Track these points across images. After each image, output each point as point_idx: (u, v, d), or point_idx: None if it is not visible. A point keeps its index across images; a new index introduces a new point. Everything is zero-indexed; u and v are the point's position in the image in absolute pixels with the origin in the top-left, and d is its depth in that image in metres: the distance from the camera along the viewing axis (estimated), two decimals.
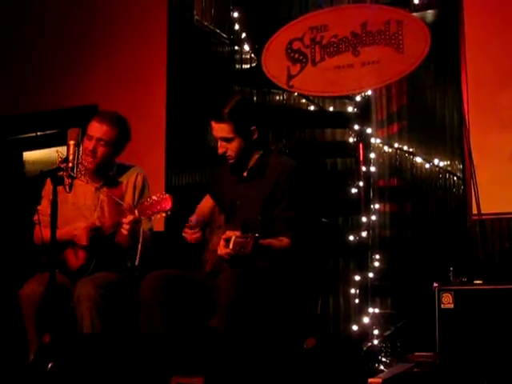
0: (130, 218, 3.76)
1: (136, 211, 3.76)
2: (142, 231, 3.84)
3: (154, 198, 3.72)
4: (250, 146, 3.74)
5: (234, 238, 3.31)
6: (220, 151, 3.73)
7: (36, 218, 4.12)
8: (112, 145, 4.03)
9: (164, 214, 3.69)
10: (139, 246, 3.82)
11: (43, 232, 3.86)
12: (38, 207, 4.16)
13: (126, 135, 4.11)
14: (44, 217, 3.99)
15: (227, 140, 3.68)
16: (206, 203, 4.02)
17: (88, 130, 4.03)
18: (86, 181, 4.03)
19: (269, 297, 3.56)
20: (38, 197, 4.22)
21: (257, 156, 3.79)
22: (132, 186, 4.13)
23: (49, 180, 4.07)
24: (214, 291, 3.45)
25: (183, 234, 3.70)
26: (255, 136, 3.71)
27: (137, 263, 3.85)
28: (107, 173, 4.12)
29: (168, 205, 3.65)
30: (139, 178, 4.16)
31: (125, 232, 3.78)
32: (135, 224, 3.77)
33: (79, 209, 4.06)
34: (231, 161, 3.77)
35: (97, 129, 4.02)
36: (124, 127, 4.10)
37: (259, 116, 3.84)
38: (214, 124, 3.69)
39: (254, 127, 3.70)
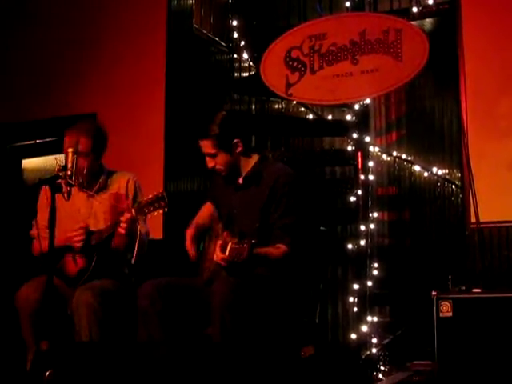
0: (127, 215, 3.75)
1: (133, 210, 3.76)
2: (139, 231, 3.83)
3: (149, 196, 3.73)
4: (237, 158, 3.78)
5: (230, 244, 3.33)
6: (209, 166, 3.80)
7: (33, 231, 4.14)
8: (89, 154, 4.00)
9: (161, 211, 3.70)
10: (136, 245, 3.81)
11: (42, 244, 3.88)
12: (34, 221, 4.17)
13: (101, 142, 4.06)
14: (41, 230, 4.02)
15: (212, 155, 3.76)
16: (206, 210, 4.03)
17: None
18: (78, 189, 4.02)
19: (266, 305, 3.56)
20: (36, 205, 4.21)
21: (253, 164, 3.81)
22: (124, 191, 4.11)
23: (43, 193, 4.07)
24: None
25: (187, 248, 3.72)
26: (239, 149, 3.76)
27: (133, 261, 3.85)
28: (97, 180, 4.10)
29: (164, 201, 3.67)
30: (131, 183, 4.14)
31: (122, 231, 3.77)
32: (133, 223, 3.78)
33: (74, 217, 4.03)
34: (222, 173, 3.83)
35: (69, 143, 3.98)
36: (97, 135, 4.05)
37: (246, 128, 3.90)
38: (199, 141, 3.78)
39: (236, 140, 3.74)
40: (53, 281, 3.39)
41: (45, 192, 4.05)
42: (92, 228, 3.99)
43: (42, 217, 4.06)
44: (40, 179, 3.88)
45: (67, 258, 3.98)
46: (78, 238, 3.90)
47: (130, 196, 4.10)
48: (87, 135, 4.01)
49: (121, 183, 4.13)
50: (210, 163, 3.78)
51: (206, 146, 3.74)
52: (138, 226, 3.84)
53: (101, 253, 3.92)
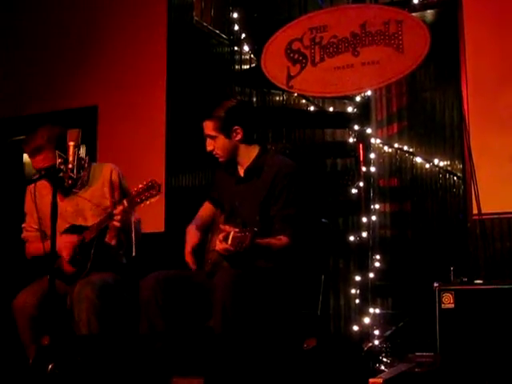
0: (120, 208, 3.72)
1: (125, 201, 3.74)
2: (133, 221, 3.81)
3: (140, 186, 3.69)
4: (236, 146, 3.79)
5: (232, 233, 3.32)
6: (208, 149, 3.83)
7: (24, 234, 4.14)
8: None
9: (153, 200, 3.68)
10: (133, 236, 3.80)
11: (32, 247, 3.90)
12: (23, 225, 4.17)
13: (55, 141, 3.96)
14: (31, 233, 4.02)
15: (211, 137, 3.79)
16: (206, 208, 4.03)
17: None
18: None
19: (267, 296, 3.56)
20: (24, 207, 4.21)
21: (253, 155, 3.81)
22: (108, 184, 4.08)
23: (29, 197, 4.06)
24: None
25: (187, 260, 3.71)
26: (238, 136, 3.77)
27: (134, 253, 3.83)
28: (79, 176, 3.99)
29: (155, 190, 3.64)
30: (114, 175, 4.11)
31: (117, 224, 3.75)
32: (126, 214, 3.75)
33: (63, 217, 3.97)
34: (220, 159, 3.85)
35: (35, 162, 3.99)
36: (47, 139, 3.97)
37: (251, 120, 3.90)
38: (203, 122, 3.81)
39: (236, 127, 3.75)
40: (54, 279, 3.39)
41: (30, 193, 4.04)
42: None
43: (30, 220, 4.06)
44: (40, 173, 3.86)
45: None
46: (67, 251, 3.88)
47: (116, 186, 4.08)
48: (43, 151, 3.94)
49: (104, 176, 4.10)
50: (209, 146, 3.81)
51: (208, 126, 3.78)
52: (132, 218, 3.82)
53: (97, 248, 3.91)
